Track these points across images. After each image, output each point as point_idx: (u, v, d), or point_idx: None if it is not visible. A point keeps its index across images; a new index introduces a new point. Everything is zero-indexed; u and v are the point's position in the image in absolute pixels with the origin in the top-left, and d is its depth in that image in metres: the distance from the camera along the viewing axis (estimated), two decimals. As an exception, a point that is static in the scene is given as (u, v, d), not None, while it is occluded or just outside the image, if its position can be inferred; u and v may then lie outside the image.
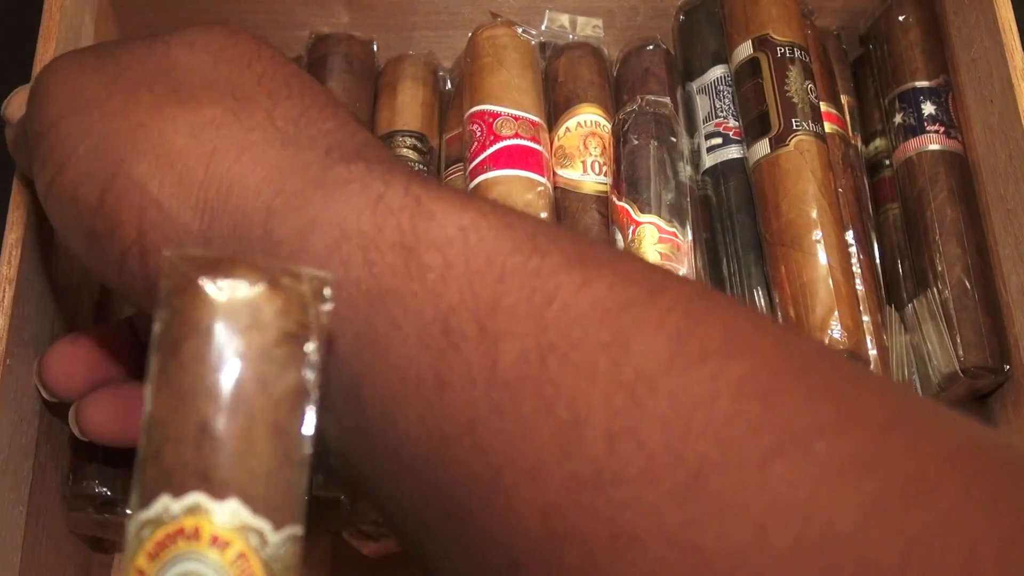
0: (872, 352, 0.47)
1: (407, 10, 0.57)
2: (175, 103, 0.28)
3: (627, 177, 0.49)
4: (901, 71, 0.54)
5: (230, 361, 0.22)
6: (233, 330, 0.22)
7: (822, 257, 0.46)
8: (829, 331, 0.45)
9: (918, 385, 0.49)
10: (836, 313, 0.45)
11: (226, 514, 0.21)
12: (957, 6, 0.53)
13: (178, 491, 0.21)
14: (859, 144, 0.56)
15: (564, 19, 0.56)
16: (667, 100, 0.52)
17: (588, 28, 0.56)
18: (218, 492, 0.21)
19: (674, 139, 0.50)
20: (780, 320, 0.46)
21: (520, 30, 0.53)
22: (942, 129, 0.52)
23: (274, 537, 0.21)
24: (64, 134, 0.29)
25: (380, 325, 0.24)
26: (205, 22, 0.33)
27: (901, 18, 0.54)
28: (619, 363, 0.22)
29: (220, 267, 0.22)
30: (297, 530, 0.22)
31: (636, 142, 0.49)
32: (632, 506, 0.21)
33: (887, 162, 0.54)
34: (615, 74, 0.55)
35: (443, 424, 0.23)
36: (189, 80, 0.29)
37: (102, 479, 0.45)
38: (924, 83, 0.53)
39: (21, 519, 0.43)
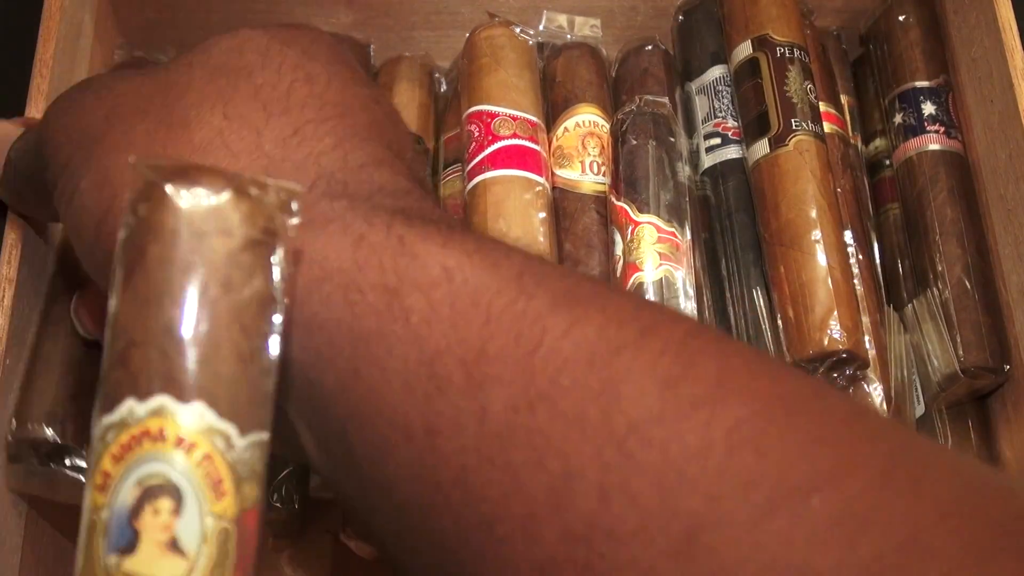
0: (871, 352, 0.47)
1: (407, 10, 0.57)
2: (166, 130, 0.28)
3: (625, 177, 0.49)
4: (901, 71, 0.54)
5: (195, 265, 0.22)
6: (198, 235, 0.22)
7: (821, 257, 0.46)
8: (828, 331, 0.45)
9: (918, 385, 0.49)
10: (836, 313, 0.45)
11: (191, 416, 0.21)
12: (957, 6, 0.53)
13: (143, 394, 0.21)
14: (859, 144, 0.56)
15: (562, 19, 0.56)
16: (665, 100, 0.52)
17: (586, 28, 0.55)
18: (183, 395, 0.21)
19: (672, 139, 0.50)
20: (780, 321, 0.46)
21: (518, 30, 0.53)
22: (942, 129, 0.52)
23: (240, 441, 0.21)
24: (71, 171, 0.29)
25: (363, 368, 0.23)
26: (222, 32, 0.31)
27: (901, 18, 0.54)
28: (609, 413, 0.21)
29: (186, 175, 0.22)
30: (263, 436, 0.22)
31: (634, 142, 0.49)
32: (627, 566, 0.20)
33: (887, 162, 0.54)
34: (614, 74, 0.55)
35: (434, 471, 0.22)
36: (183, 100, 0.29)
37: (50, 421, 0.41)
38: (924, 83, 0.53)
39: (21, 519, 0.43)
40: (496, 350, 0.22)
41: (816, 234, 0.46)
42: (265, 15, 0.56)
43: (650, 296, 0.46)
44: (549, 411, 0.22)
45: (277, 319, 0.22)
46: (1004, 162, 0.48)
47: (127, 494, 0.21)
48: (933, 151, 0.51)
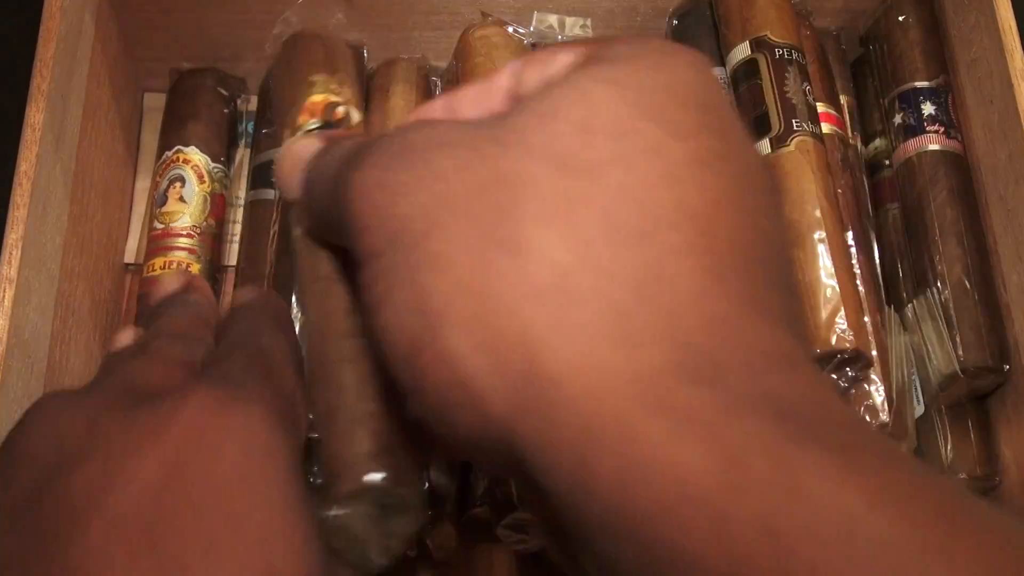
0: (872, 353, 0.47)
1: (407, 10, 0.57)
2: (495, 252, 0.22)
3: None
4: (901, 71, 0.54)
5: None
6: None
7: (825, 256, 0.46)
8: (835, 329, 0.45)
9: (918, 385, 0.49)
10: (842, 312, 0.45)
11: None
12: (957, 6, 0.53)
13: None
14: (859, 144, 0.56)
15: (552, 19, 0.55)
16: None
17: (576, 28, 0.55)
18: None
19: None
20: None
21: (511, 29, 0.53)
22: (942, 129, 0.52)
23: None
24: (381, 270, 0.24)
25: None
26: (629, 57, 0.24)
27: (901, 18, 0.54)
28: None
29: None
30: None
31: None
32: None
33: (887, 162, 0.54)
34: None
35: None
36: (517, 207, 0.22)
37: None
38: (924, 83, 0.53)
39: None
40: None
41: (820, 233, 0.46)
42: (264, 15, 0.56)
43: None
44: None
45: None
46: (1004, 162, 0.48)
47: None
48: (933, 151, 0.52)
